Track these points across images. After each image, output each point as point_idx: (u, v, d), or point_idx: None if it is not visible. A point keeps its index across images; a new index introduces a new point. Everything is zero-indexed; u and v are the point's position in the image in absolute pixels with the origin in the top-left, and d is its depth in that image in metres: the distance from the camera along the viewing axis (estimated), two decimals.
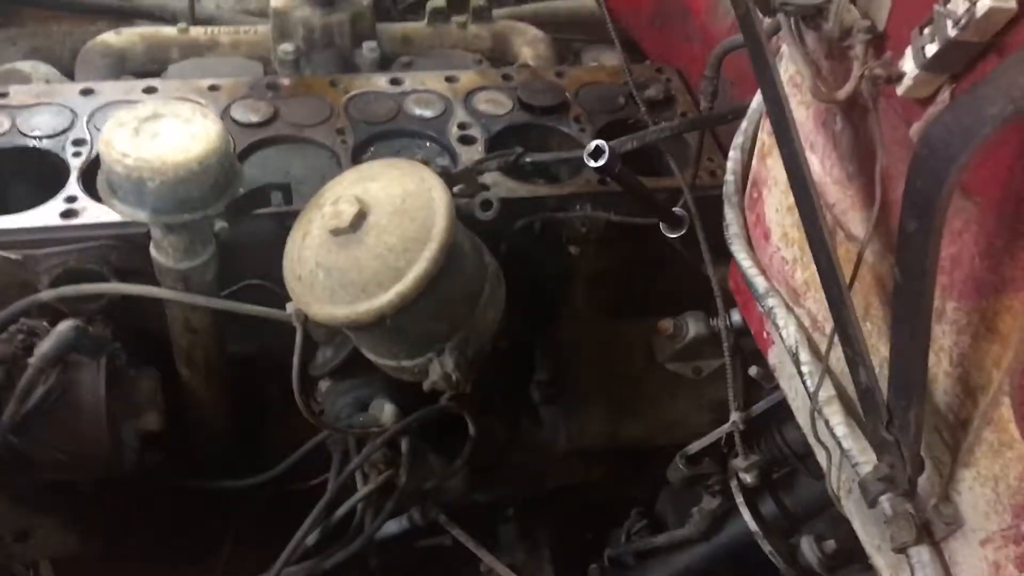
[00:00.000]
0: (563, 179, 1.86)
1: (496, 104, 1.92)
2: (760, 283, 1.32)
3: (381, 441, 1.57)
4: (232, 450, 1.88)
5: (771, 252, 1.33)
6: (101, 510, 1.83)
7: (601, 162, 1.37)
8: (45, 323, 1.52)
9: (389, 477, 1.59)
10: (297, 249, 1.42)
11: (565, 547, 1.97)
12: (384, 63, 2.07)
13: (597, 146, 1.37)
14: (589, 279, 1.85)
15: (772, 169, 1.31)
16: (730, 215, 1.40)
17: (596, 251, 1.79)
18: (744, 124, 1.43)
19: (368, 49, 2.03)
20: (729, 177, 1.42)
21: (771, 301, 1.28)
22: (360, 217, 1.34)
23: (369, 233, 1.34)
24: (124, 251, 1.58)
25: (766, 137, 1.33)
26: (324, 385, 1.70)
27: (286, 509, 1.84)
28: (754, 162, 1.37)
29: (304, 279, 1.39)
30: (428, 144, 1.85)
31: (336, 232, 1.35)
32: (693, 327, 1.75)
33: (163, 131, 1.34)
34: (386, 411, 1.60)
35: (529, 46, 2.20)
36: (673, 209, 1.60)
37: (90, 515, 1.84)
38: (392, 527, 1.76)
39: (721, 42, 1.64)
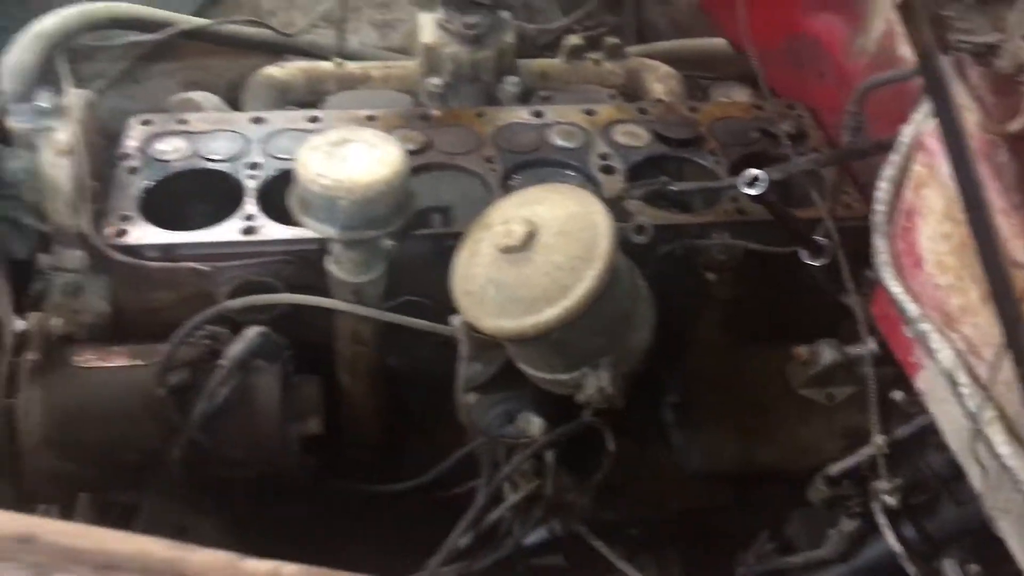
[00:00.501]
0: (696, 209, 1.94)
1: (634, 136, 2.01)
2: (912, 309, 1.37)
3: (532, 451, 1.65)
4: (376, 457, 1.98)
5: (923, 279, 1.38)
6: (252, 512, 1.95)
7: (757, 190, 1.45)
8: (226, 329, 1.65)
9: (536, 488, 1.67)
10: (466, 266, 1.52)
11: (692, 567, 2.01)
12: (524, 97, 2.18)
13: (755, 175, 1.45)
14: (724, 305, 1.91)
15: (927, 199, 1.37)
16: (880, 243, 1.46)
17: (732, 278, 1.86)
18: (895, 156, 1.49)
19: (510, 83, 2.14)
20: (879, 207, 1.48)
21: (925, 326, 1.34)
22: (530, 237, 1.44)
23: (538, 252, 1.44)
24: (296, 266, 1.71)
25: (921, 169, 1.39)
26: (471, 398, 1.79)
27: (427, 516, 1.95)
28: (907, 193, 1.42)
29: (474, 294, 1.49)
30: (571, 173, 1.95)
31: (507, 250, 1.45)
32: (828, 354, 1.80)
33: (352, 155, 1.47)
34: (534, 423, 1.68)
35: (661, 82, 2.29)
36: (815, 238, 1.67)
37: (242, 516, 1.96)
38: (530, 538, 1.83)
39: (867, 78, 1.71)
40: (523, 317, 1.44)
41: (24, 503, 1.81)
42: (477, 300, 1.49)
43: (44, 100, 1.65)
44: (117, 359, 1.63)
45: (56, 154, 1.62)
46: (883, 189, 1.50)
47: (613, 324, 1.51)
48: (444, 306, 1.71)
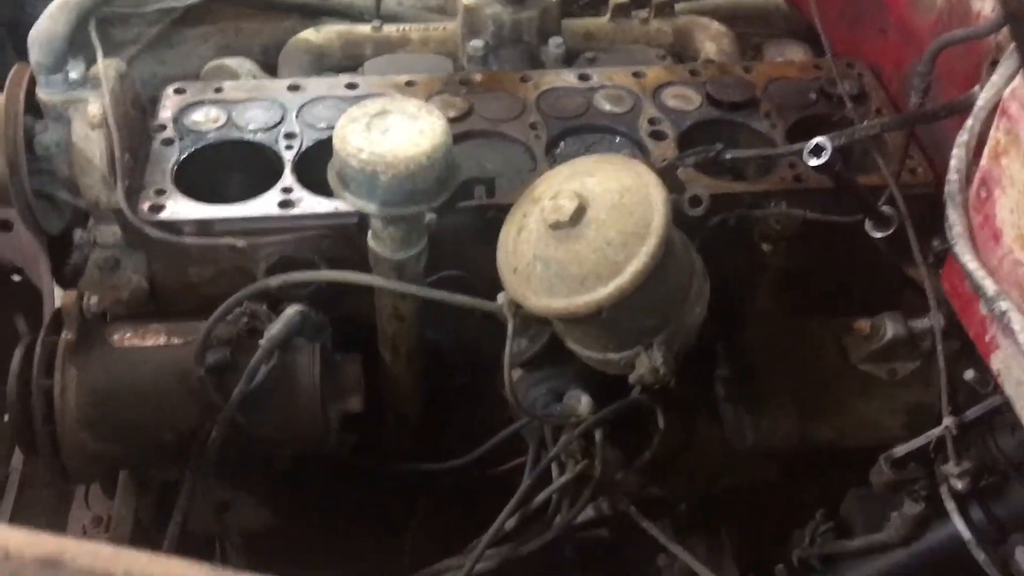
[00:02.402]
0: (749, 176, 1.85)
1: (684, 100, 1.92)
2: (989, 285, 1.28)
3: (580, 431, 1.60)
4: (416, 436, 1.94)
5: (1002, 254, 1.29)
6: (293, 488, 1.93)
7: (821, 160, 1.36)
8: (264, 307, 1.60)
9: (585, 468, 1.62)
10: (512, 242, 1.46)
11: (743, 546, 1.96)
12: (568, 59, 2.09)
13: (817, 143, 1.36)
14: (778, 276, 1.83)
15: (1008, 169, 1.28)
16: (953, 215, 1.37)
17: (788, 248, 1.78)
18: (970, 122, 1.39)
19: (554, 45, 2.05)
20: (952, 176, 1.39)
21: (1004, 304, 1.25)
22: (580, 212, 1.37)
23: (588, 227, 1.37)
24: (334, 240, 1.66)
25: (1001, 136, 1.29)
26: (515, 374, 1.74)
27: (468, 495, 1.91)
28: (984, 161, 1.33)
29: (520, 271, 1.43)
30: (618, 139, 1.87)
31: (556, 226, 1.38)
32: (891, 328, 1.72)
33: (392, 127, 1.40)
34: (583, 402, 1.63)
35: (712, 41, 2.19)
36: (881, 207, 1.58)
37: (283, 493, 1.94)
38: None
39: (934, 34, 1.61)
40: (573, 296, 1.37)
41: (63, 483, 1.80)
42: (524, 277, 1.42)
43: (75, 71, 1.59)
44: (154, 337, 1.59)
45: (88, 127, 1.57)
46: (957, 156, 1.40)
47: (667, 301, 1.44)
48: (486, 280, 1.65)
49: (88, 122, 1.57)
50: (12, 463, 2.18)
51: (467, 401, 1.94)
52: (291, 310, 1.53)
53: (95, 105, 1.57)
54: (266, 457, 1.69)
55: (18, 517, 2.08)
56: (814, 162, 1.36)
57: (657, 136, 1.84)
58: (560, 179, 1.45)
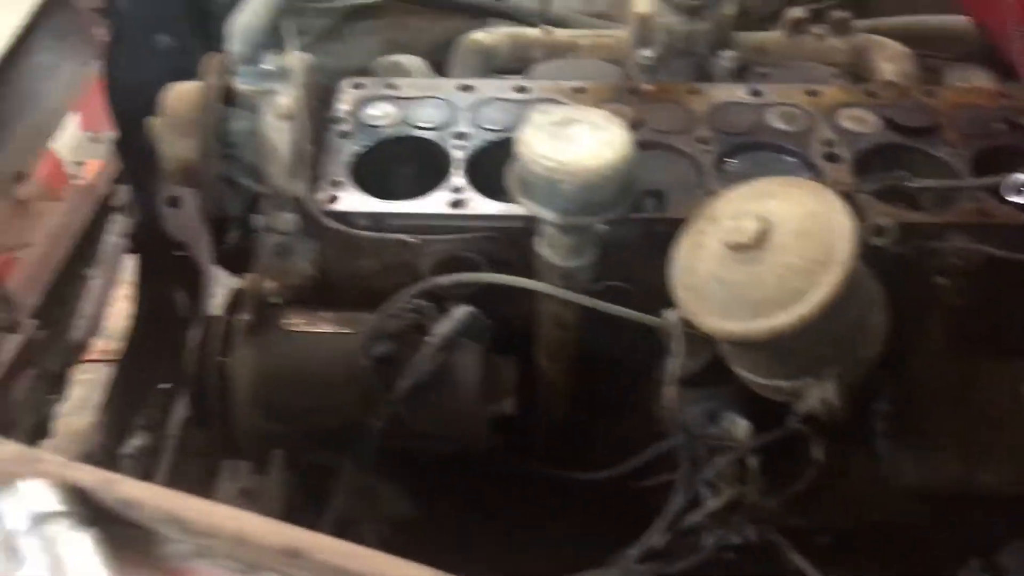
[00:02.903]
0: (926, 206, 1.78)
1: (861, 122, 1.86)
2: None
3: (737, 455, 1.57)
4: (563, 441, 1.94)
5: None
6: (437, 482, 1.95)
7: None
8: (431, 303, 1.63)
9: (740, 492, 1.59)
10: (688, 260, 1.44)
11: None
12: (739, 73, 2.05)
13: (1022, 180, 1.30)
14: (952, 312, 1.76)
15: None
16: None
17: (966, 284, 1.70)
18: None
19: (726, 58, 2.02)
20: None
21: None
22: (762, 234, 1.34)
23: (771, 251, 1.34)
24: (500, 242, 1.67)
25: None
26: (673, 392, 1.72)
27: (607, 505, 1.90)
28: None
29: (696, 290, 1.41)
30: (790, 159, 1.82)
31: (736, 248, 1.35)
32: None
33: (576, 136, 1.40)
34: (740, 426, 1.60)
35: (891, 62, 2.10)
36: None
37: (427, 485, 1.97)
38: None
39: None
40: (752, 320, 1.34)
41: (230, 457, 1.87)
42: (699, 296, 1.40)
43: (269, 63, 1.65)
44: (324, 325, 1.64)
45: (277, 117, 1.63)
46: None
47: (847, 333, 1.40)
48: (646, 294, 1.63)
49: (277, 113, 1.63)
50: (168, 429, 2.28)
51: (614, 411, 1.93)
52: (462, 310, 1.55)
53: (285, 97, 1.63)
54: (421, 451, 1.72)
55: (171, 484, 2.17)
56: (1016, 199, 1.30)
57: (832, 158, 1.78)
58: (741, 199, 1.43)
